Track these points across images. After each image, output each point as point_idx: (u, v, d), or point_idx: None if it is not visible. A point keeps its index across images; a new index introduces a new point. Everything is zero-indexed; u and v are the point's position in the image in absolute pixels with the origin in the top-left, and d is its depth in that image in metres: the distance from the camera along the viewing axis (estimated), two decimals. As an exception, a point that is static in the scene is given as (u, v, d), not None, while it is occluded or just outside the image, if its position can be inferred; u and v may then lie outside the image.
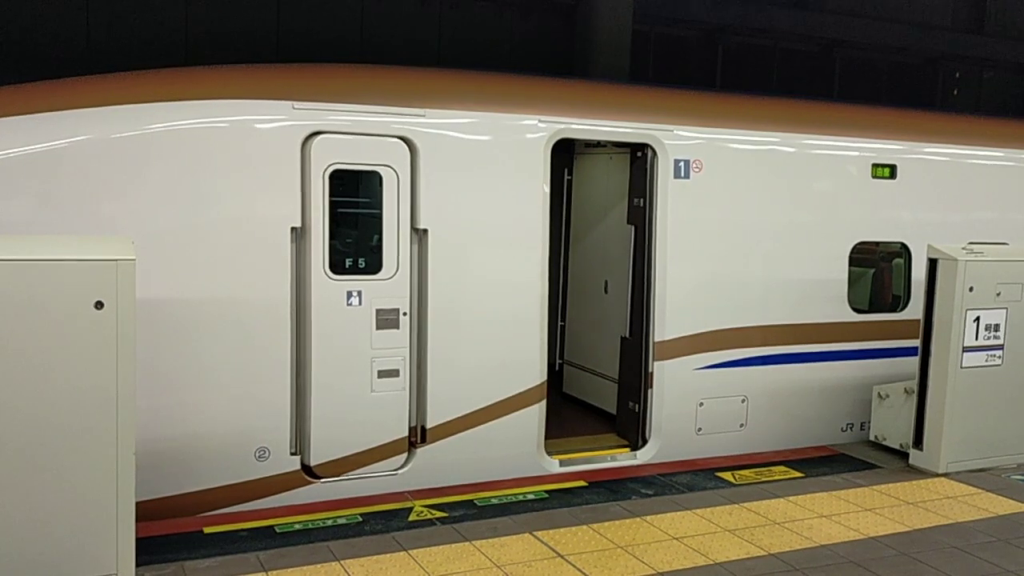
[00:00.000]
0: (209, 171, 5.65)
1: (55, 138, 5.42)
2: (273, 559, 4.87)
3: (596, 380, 8.15)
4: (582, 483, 6.36)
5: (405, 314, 6.12)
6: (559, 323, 8.61)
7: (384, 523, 5.46)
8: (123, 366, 4.32)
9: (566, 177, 8.42)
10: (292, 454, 5.91)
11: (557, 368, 8.52)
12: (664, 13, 15.39)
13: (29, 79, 6.12)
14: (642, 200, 7.05)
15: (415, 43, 13.50)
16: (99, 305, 4.28)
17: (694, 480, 6.48)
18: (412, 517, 5.60)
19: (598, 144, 7.87)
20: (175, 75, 6.12)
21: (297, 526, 5.39)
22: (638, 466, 6.92)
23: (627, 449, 7.18)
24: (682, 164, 6.96)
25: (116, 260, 4.32)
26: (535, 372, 6.53)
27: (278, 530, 5.32)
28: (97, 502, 4.30)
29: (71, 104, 5.60)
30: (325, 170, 5.86)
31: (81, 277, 4.27)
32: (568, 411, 8.19)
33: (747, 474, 6.65)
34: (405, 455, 6.22)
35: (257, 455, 5.80)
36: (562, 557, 5.01)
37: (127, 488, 4.36)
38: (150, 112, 5.65)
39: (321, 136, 5.85)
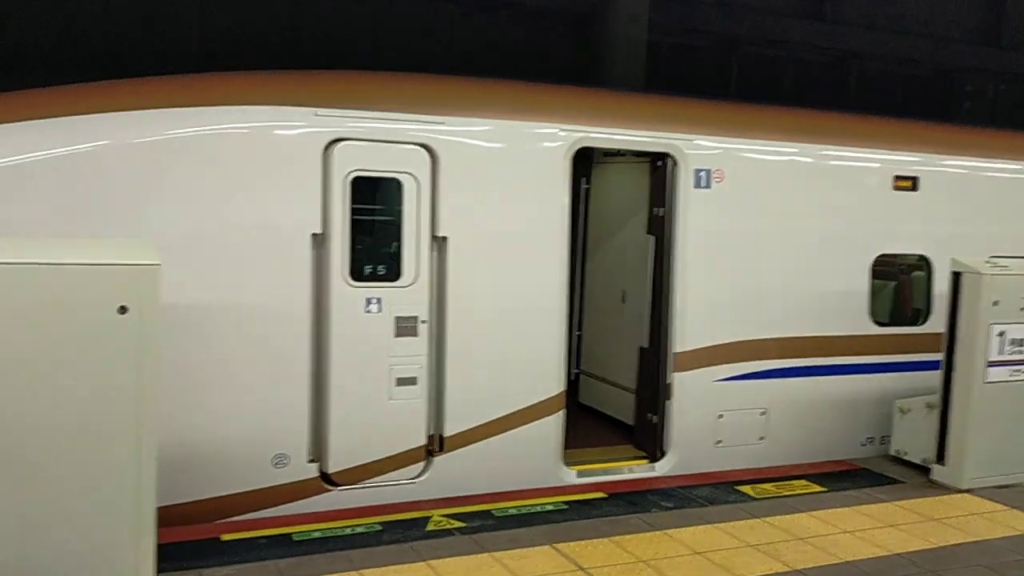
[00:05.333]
0: (230, 176, 5.63)
1: (76, 142, 5.41)
2: (292, 568, 4.82)
3: (613, 391, 8.09)
4: (601, 494, 6.30)
5: (424, 322, 6.08)
6: (575, 333, 8.56)
7: (403, 532, 5.40)
8: (146, 371, 4.28)
9: (584, 186, 8.39)
10: (310, 461, 5.87)
11: (573, 378, 8.47)
12: (678, 23, 15.35)
13: (44, 83, 6.09)
14: (662, 210, 7.01)
15: (428, 51, 13.48)
16: (123, 310, 4.26)
17: (714, 493, 6.40)
18: (430, 527, 5.55)
19: (618, 153, 7.84)
20: (197, 80, 6.11)
21: (315, 534, 5.33)
22: (656, 478, 6.85)
23: (645, 461, 7.12)
24: (703, 174, 6.91)
25: (141, 265, 4.29)
26: (554, 382, 6.48)
27: (296, 538, 5.27)
28: (118, 508, 4.26)
29: (92, 108, 5.59)
30: (346, 177, 5.83)
31: (106, 281, 4.24)
32: (584, 421, 8.13)
33: (768, 488, 6.57)
34: (423, 464, 6.17)
35: (275, 462, 5.76)
36: (584, 570, 4.95)
37: (148, 494, 4.32)
38: (171, 117, 5.63)
39: (343, 143, 5.83)
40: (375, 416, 5.98)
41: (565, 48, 14.37)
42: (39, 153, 5.34)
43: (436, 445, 6.22)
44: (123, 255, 4.35)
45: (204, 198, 5.57)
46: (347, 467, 5.95)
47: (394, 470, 6.09)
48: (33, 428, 4.12)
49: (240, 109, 5.78)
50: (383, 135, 5.95)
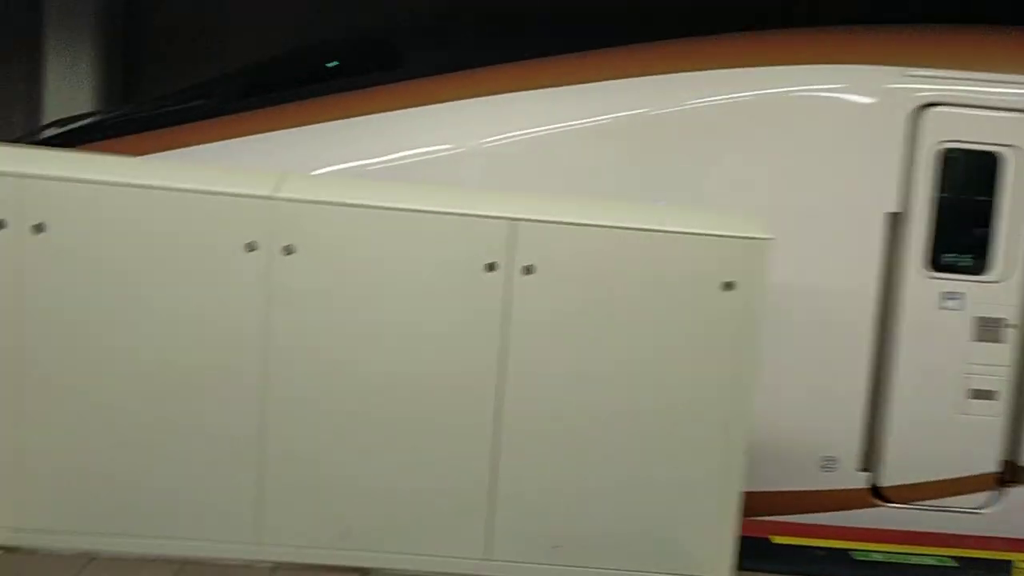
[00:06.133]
0: (797, 142, 5.09)
1: (639, 106, 5.23)
2: (870, 595, 4.24)
3: None
4: None
5: (1013, 326, 5.06)
6: None
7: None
8: (748, 355, 3.92)
9: None
10: (860, 470, 5.21)
11: None
12: None
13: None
14: None
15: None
16: (728, 286, 3.92)
17: None
18: (1016, 574, 4.61)
19: None
20: (765, 37, 5.64)
21: (876, 556, 4.71)
22: None
23: None
24: None
25: (752, 238, 3.93)
26: None
27: (856, 556, 4.68)
28: (709, 496, 3.98)
29: (662, 69, 5.37)
30: (935, 147, 5.00)
31: (713, 253, 3.95)
32: None
33: None
34: (992, 494, 5.19)
35: (822, 464, 5.20)
36: None
37: (736, 483, 3.99)
38: (740, 78, 5.23)
39: (935, 108, 4.99)
40: (941, 430, 5.13)
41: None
42: (618, 113, 5.24)
43: (1011, 474, 5.19)
44: (730, 226, 4.01)
45: (766, 165, 5.10)
46: (901, 483, 5.19)
47: (953, 495, 5.20)
48: (636, 396, 3.97)
49: (814, 68, 5.21)
50: (986, 100, 5.01)
